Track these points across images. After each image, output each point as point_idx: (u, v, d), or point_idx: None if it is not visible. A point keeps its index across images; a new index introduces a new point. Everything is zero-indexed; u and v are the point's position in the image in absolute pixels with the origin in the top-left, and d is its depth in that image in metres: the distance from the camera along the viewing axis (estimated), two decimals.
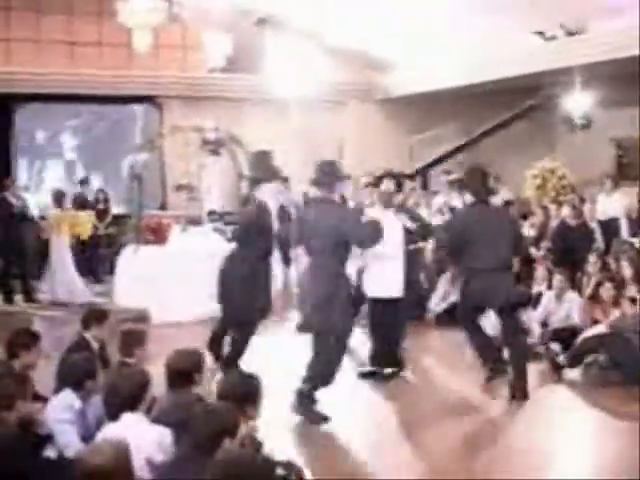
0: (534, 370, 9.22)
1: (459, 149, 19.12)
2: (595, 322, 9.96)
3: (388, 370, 9.44)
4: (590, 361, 9.29)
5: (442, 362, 10.38)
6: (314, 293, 7.91)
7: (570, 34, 14.29)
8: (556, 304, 10.62)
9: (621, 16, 12.90)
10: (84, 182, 17.48)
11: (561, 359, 9.34)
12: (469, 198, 9.37)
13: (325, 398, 8.03)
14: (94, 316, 7.77)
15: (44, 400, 6.28)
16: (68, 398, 5.88)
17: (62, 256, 14.54)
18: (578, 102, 16.41)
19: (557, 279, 10.73)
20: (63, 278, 14.43)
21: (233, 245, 9.73)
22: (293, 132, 17.81)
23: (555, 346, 9.79)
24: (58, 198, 14.88)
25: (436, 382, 9.49)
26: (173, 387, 5.80)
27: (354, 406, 8.56)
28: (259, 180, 9.70)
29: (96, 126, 19.23)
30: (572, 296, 10.65)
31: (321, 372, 7.94)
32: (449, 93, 18.00)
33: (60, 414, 5.78)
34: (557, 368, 9.30)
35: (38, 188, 18.53)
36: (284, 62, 17.16)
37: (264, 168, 10.11)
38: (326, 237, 7.84)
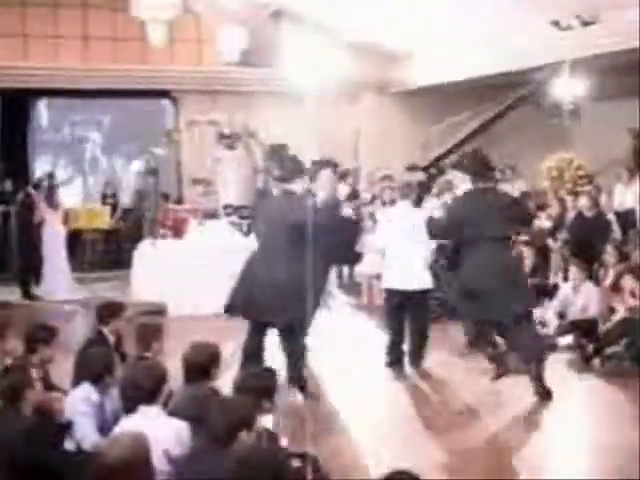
0: (556, 361, 9.24)
1: (466, 139, 19.05)
2: (613, 311, 9.93)
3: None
4: (609, 353, 9.29)
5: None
6: (268, 281, 8.06)
7: (585, 24, 14.24)
8: (573, 295, 10.60)
9: (635, 6, 12.85)
10: (51, 176, 17.34)
11: (589, 349, 9.32)
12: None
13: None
14: (110, 310, 7.79)
15: (62, 393, 6.33)
16: (86, 391, 5.90)
17: (55, 250, 14.43)
18: (567, 89, 16.22)
19: (573, 271, 10.71)
20: (52, 271, 14.32)
21: None
22: (308, 125, 17.80)
23: (576, 338, 9.84)
24: (52, 190, 14.76)
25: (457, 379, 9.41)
26: (190, 381, 5.81)
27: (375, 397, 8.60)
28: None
29: (120, 119, 19.35)
30: (589, 287, 10.62)
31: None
32: (465, 85, 17.96)
33: (78, 407, 5.82)
34: (587, 359, 9.27)
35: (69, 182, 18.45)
36: (299, 55, 17.13)
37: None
38: (280, 228, 8.07)
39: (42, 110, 19.08)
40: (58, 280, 14.25)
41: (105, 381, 5.98)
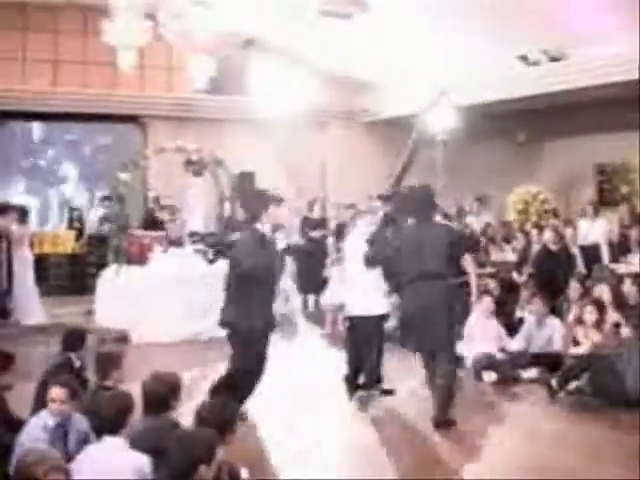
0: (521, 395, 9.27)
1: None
2: (577, 344, 9.95)
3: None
4: (572, 388, 9.30)
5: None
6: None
7: (553, 60, 14.40)
8: (537, 329, 10.65)
9: (603, 43, 13.03)
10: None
11: (554, 383, 9.33)
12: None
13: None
14: (78, 337, 7.69)
15: (20, 423, 6.21)
16: (43, 418, 5.79)
17: (24, 273, 14.28)
18: (440, 120, 16.37)
19: (538, 304, 10.76)
20: (21, 295, 14.17)
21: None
22: (276, 154, 17.84)
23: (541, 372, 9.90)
24: (22, 215, 14.65)
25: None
26: (148, 411, 5.73)
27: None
28: None
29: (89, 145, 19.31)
30: (553, 321, 10.68)
31: None
32: None
33: (35, 434, 5.70)
34: (553, 393, 9.28)
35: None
36: (268, 84, 17.19)
37: None
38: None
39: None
40: (28, 304, 14.14)
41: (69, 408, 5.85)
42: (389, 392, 9.42)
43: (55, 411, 5.74)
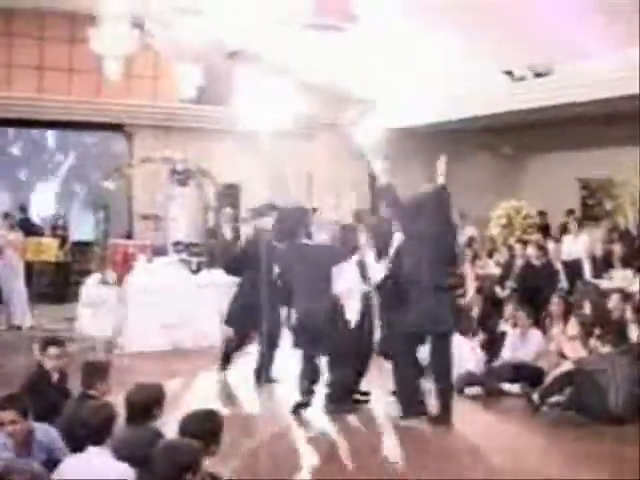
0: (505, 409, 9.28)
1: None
2: (562, 357, 9.99)
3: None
4: (553, 402, 9.32)
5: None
6: None
7: (538, 75, 14.46)
8: (520, 342, 10.68)
9: (588, 60, 13.11)
10: (23, 208, 17.24)
11: (535, 398, 9.34)
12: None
13: None
14: (52, 344, 7.62)
15: None
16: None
17: (15, 279, 14.35)
18: (371, 128, 16.47)
19: (520, 318, 10.81)
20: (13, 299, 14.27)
21: None
22: (261, 165, 17.83)
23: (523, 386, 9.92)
24: (9, 221, 14.74)
25: None
26: (132, 421, 5.71)
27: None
28: None
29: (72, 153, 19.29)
30: (535, 334, 10.72)
31: None
32: (421, 130, 18.12)
33: None
34: (535, 408, 9.29)
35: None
36: (255, 94, 17.19)
37: None
38: None
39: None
40: (18, 309, 14.21)
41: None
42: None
43: (9, 434, 5.57)
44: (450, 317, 8.94)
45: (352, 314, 9.20)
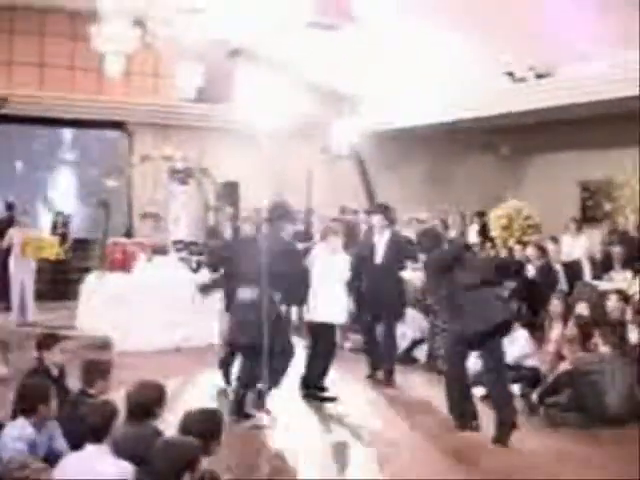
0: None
1: None
2: (561, 358, 9.98)
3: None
4: (551, 402, 9.31)
5: None
6: None
7: (539, 76, 14.47)
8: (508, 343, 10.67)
9: (589, 62, 13.12)
10: (11, 206, 17.18)
11: (534, 398, 9.34)
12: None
13: None
14: (48, 341, 7.66)
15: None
16: (19, 427, 5.75)
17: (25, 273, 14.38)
18: (342, 131, 16.50)
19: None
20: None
21: None
22: (262, 164, 17.83)
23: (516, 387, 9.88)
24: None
25: None
26: (132, 419, 5.71)
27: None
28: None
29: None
30: (521, 335, 10.66)
31: None
32: (420, 131, 18.12)
33: (13, 444, 5.63)
34: (533, 409, 9.29)
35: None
36: (254, 93, 17.18)
37: None
38: None
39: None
40: (27, 305, 14.24)
41: (41, 413, 5.81)
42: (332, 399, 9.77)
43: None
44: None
45: None
